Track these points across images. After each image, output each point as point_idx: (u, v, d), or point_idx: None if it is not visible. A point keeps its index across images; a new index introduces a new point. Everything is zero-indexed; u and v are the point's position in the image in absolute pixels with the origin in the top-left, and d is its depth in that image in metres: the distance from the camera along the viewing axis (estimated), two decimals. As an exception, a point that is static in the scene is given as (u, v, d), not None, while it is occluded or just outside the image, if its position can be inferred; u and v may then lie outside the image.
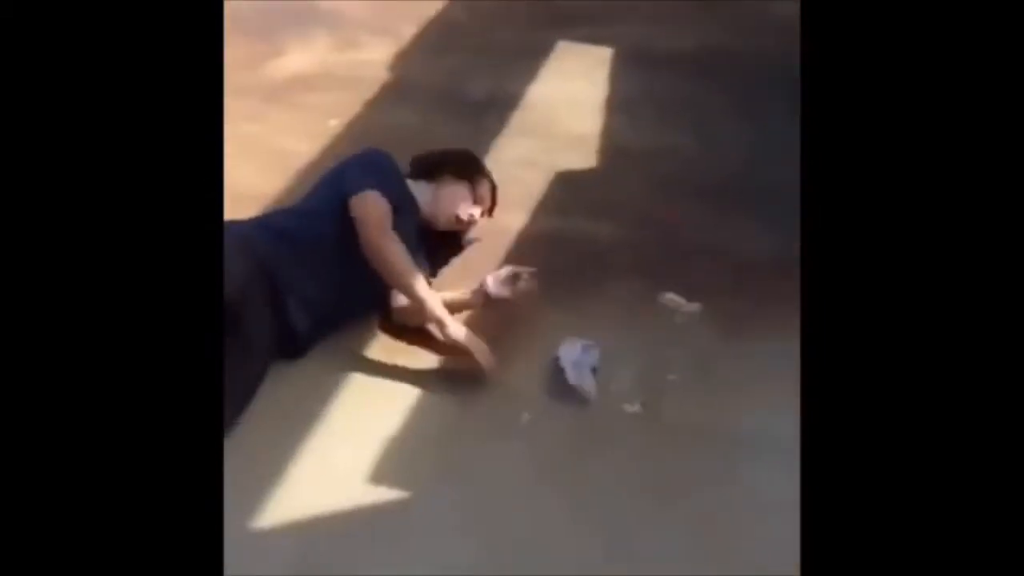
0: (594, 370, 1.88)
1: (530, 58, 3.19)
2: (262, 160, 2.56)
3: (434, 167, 2.18)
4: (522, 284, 1.96)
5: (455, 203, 2.14)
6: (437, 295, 1.93)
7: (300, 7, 3.40)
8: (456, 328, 1.88)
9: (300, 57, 3.09)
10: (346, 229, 1.89)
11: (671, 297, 2.09)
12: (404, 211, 2.00)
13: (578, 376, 1.85)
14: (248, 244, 1.82)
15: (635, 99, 3.04)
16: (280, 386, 1.84)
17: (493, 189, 2.25)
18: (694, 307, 2.08)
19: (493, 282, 1.95)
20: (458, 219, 2.15)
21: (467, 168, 2.21)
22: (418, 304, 1.88)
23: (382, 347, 1.97)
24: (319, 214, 1.95)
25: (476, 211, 2.18)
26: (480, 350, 1.86)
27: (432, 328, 1.94)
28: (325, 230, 1.91)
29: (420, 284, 1.89)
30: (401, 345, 1.97)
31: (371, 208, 1.90)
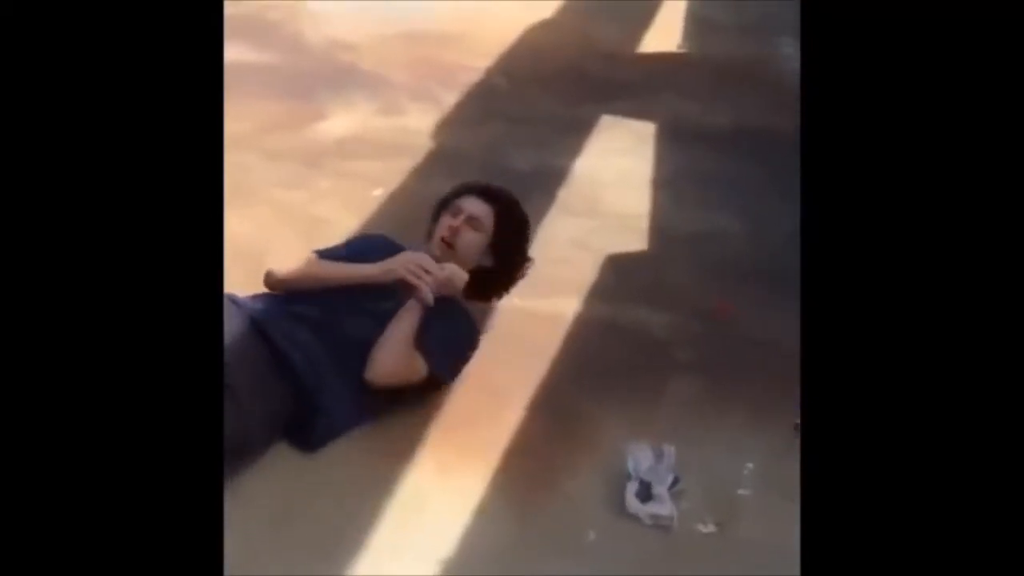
0: (675, 480, 1.74)
1: (573, 132, 3.14)
2: (302, 229, 2.46)
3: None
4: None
5: (435, 236, 2.06)
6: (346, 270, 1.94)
7: (340, 68, 3.34)
8: (387, 265, 1.89)
9: (342, 121, 3.02)
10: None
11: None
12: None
13: (644, 495, 1.72)
14: (236, 304, 1.82)
15: (678, 176, 2.98)
16: (318, 499, 1.69)
17: (484, 195, 2.10)
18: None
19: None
20: (444, 240, 2.03)
21: (440, 207, 2.14)
22: (330, 278, 1.91)
23: (431, 453, 1.83)
24: None
25: (454, 220, 2.04)
26: (415, 270, 1.85)
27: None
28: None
29: (328, 266, 1.94)
30: (452, 453, 1.83)
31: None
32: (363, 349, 1.82)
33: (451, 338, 1.94)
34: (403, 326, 1.84)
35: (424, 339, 1.86)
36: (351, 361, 1.81)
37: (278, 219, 2.50)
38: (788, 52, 3.99)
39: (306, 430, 1.77)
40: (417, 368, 1.85)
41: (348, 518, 1.65)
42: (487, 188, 2.14)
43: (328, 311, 1.86)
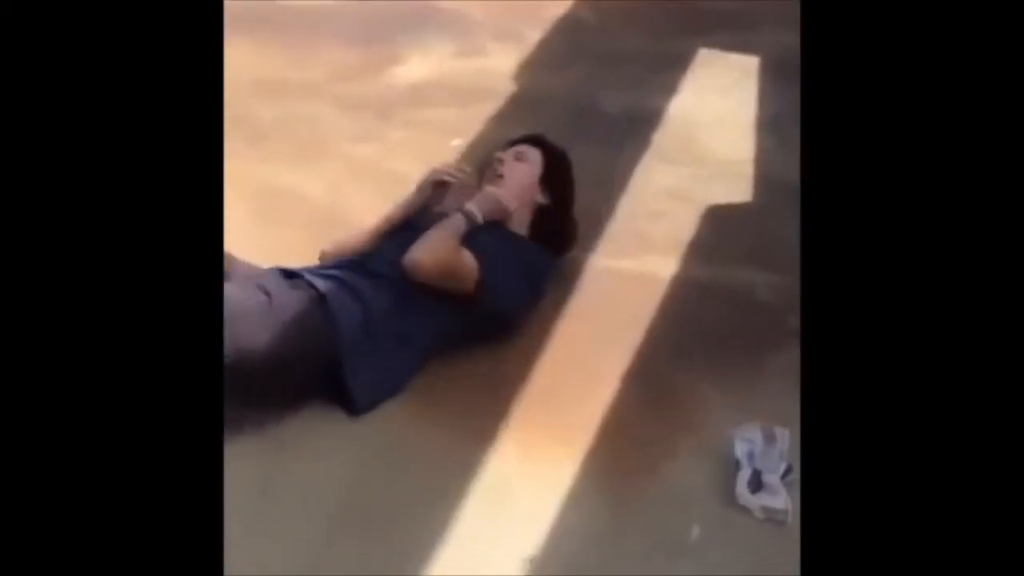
0: (788, 468, 1.54)
1: (668, 69, 2.87)
2: (375, 185, 2.31)
3: None
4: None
5: (484, 179, 2.03)
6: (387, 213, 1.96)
7: (416, 6, 3.14)
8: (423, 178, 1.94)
9: (418, 65, 2.83)
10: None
11: None
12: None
13: (755, 484, 1.53)
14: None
15: (786, 117, 2.69)
16: (389, 486, 1.56)
17: (527, 141, 2.06)
18: None
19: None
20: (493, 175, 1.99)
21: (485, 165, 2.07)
22: (378, 228, 1.92)
23: (515, 434, 1.67)
24: None
25: (501, 155, 2.01)
26: (448, 168, 1.94)
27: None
28: None
29: (382, 223, 1.93)
30: (538, 433, 1.67)
31: None
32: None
33: (508, 258, 1.83)
34: (445, 225, 1.79)
35: (475, 248, 1.77)
36: (395, 289, 1.73)
37: (351, 175, 2.36)
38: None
39: (351, 380, 1.65)
40: (464, 262, 1.74)
41: (424, 508, 1.52)
42: (529, 136, 2.09)
43: (368, 252, 1.85)
